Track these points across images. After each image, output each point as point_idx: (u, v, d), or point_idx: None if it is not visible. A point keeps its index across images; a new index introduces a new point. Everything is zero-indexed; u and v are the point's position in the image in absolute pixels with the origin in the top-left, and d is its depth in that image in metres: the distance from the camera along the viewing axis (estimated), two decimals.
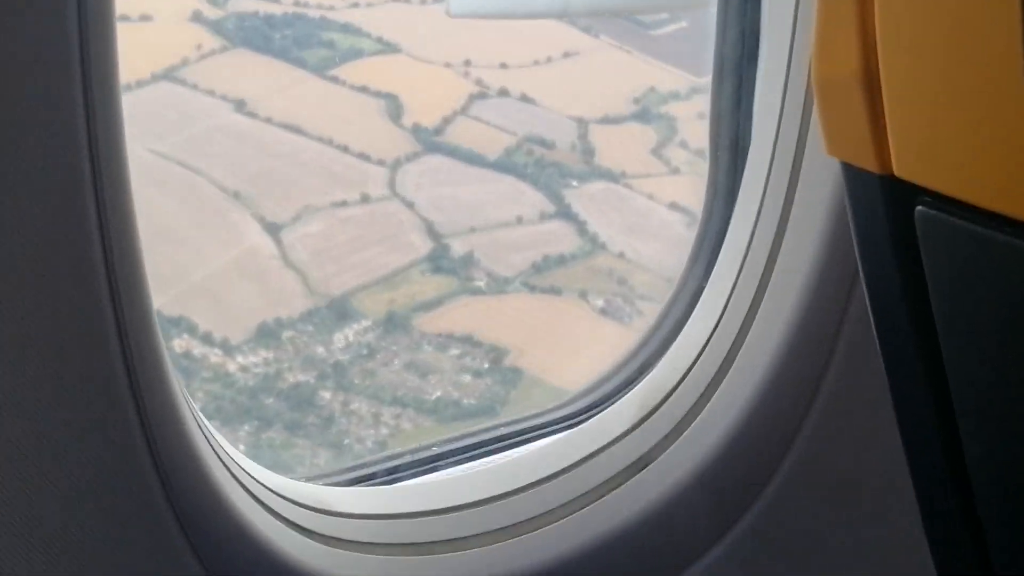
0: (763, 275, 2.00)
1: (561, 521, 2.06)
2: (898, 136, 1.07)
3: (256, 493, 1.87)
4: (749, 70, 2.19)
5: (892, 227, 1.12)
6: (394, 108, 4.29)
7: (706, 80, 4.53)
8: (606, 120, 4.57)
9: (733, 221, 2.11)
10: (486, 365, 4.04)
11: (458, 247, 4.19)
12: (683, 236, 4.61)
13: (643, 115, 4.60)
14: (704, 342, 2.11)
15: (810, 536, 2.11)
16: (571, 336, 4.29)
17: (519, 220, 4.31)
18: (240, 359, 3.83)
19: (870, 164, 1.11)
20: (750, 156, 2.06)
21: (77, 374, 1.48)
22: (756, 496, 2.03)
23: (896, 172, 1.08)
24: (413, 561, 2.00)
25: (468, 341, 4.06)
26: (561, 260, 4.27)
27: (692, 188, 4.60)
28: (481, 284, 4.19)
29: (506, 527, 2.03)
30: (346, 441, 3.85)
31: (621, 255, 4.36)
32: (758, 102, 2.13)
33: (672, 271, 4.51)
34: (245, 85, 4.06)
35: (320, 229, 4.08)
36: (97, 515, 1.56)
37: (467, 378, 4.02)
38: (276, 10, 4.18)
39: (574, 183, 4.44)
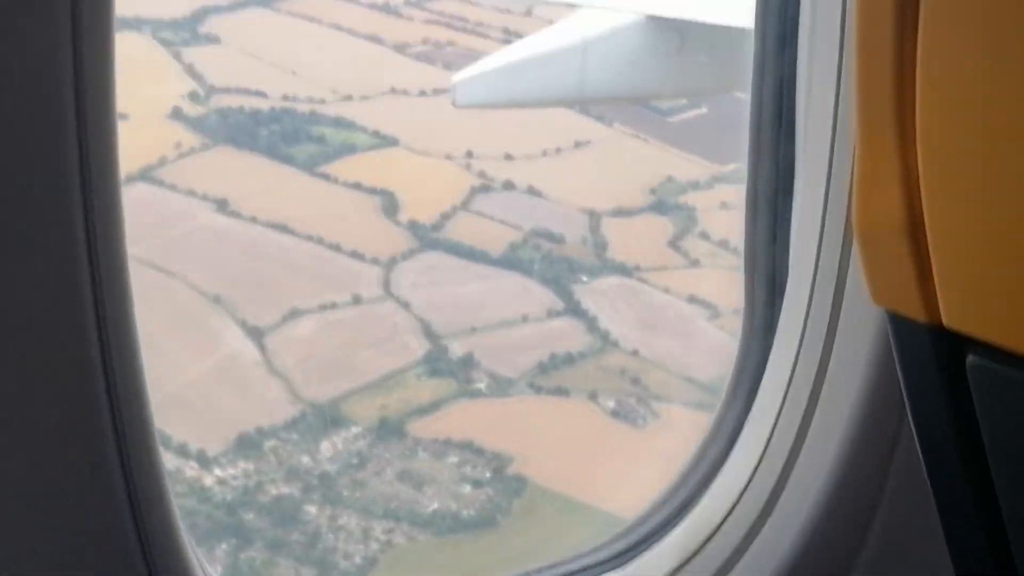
0: (804, 417, 1.90)
1: None
2: (946, 286, 1.07)
3: None
4: (784, 204, 2.07)
5: (943, 377, 1.12)
6: (390, 204, 4.14)
7: (728, 168, 4.33)
8: (620, 212, 4.39)
9: (771, 362, 2.00)
10: (487, 474, 3.83)
11: (457, 348, 4.00)
12: (703, 331, 4.40)
13: (660, 206, 4.42)
14: (745, 483, 1.98)
15: None
16: (580, 441, 4.06)
17: (524, 318, 4.11)
18: (218, 471, 3.66)
19: (918, 314, 1.10)
20: (787, 296, 1.97)
21: (79, 512, 1.38)
22: None
23: (945, 323, 1.08)
24: None
25: (468, 448, 3.86)
26: (569, 359, 4.06)
27: (714, 280, 4.39)
28: (482, 386, 3.99)
29: None
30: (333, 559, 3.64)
31: (635, 352, 4.14)
32: (794, 240, 2.04)
33: (690, 369, 4.30)
34: (227, 184, 3.93)
35: (307, 333, 3.91)
36: None
37: (467, 488, 3.81)
38: (262, 105, 4.06)
39: (584, 278, 4.24)
